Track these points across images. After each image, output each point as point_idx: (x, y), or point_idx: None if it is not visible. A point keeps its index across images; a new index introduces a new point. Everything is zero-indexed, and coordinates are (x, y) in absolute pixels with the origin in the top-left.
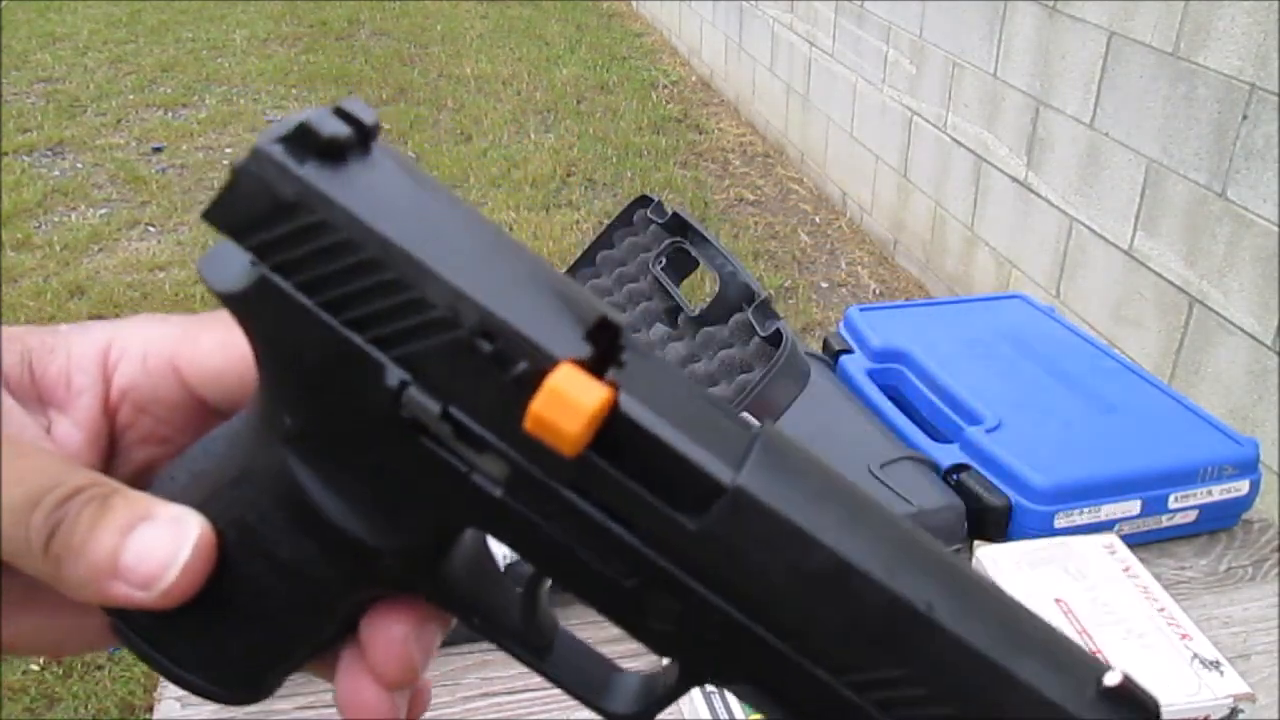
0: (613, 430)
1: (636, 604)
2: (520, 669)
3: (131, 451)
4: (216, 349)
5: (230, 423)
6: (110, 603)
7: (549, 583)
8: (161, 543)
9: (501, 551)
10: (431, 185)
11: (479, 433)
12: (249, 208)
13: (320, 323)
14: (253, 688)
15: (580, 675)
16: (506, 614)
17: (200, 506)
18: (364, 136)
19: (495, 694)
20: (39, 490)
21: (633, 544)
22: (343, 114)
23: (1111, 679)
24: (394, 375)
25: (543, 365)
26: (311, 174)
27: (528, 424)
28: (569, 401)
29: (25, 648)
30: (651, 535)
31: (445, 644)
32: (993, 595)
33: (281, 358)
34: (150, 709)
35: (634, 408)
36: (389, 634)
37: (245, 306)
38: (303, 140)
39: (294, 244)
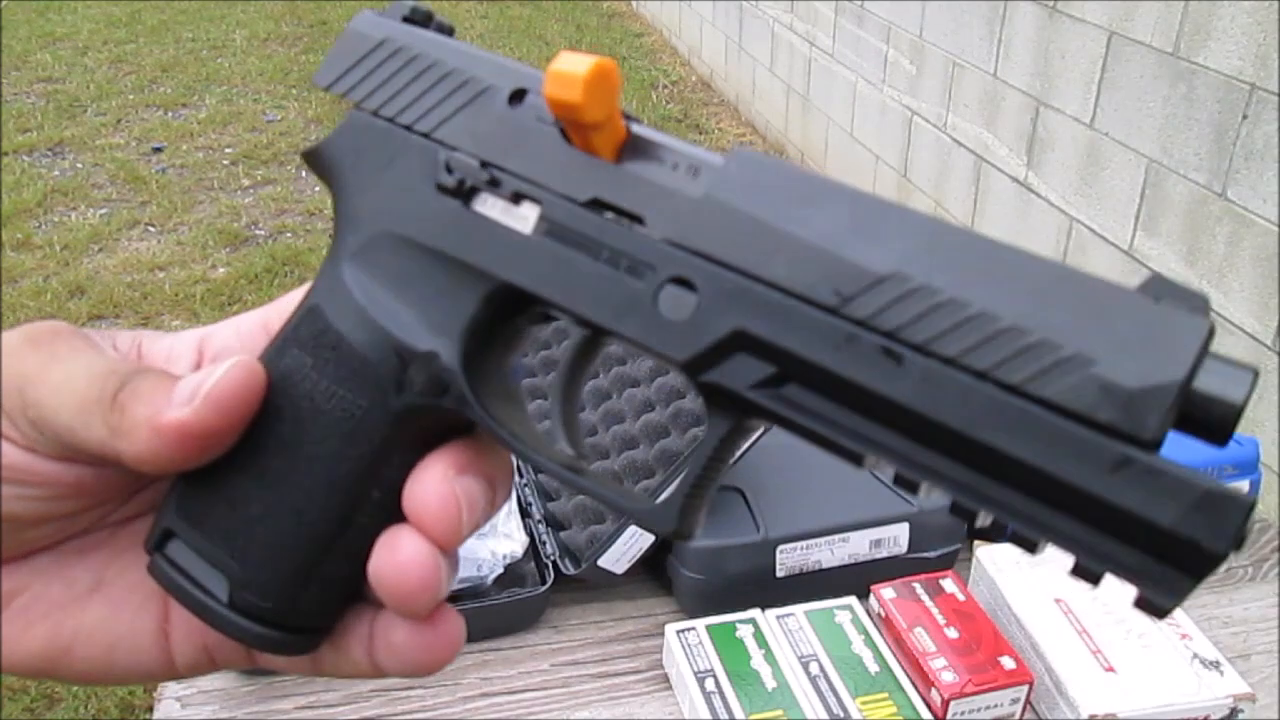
0: (627, 147)
1: (655, 307)
2: (520, 669)
3: None
4: (299, 297)
5: None
6: (164, 431)
7: (581, 391)
8: (207, 369)
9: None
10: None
11: (512, 180)
12: (349, 53)
13: (388, 131)
14: (299, 607)
15: (614, 489)
16: (537, 434)
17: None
18: (428, 17)
19: (495, 694)
20: (116, 366)
21: (644, 239)
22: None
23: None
24: (443, 152)
25: None
26: (394, 22)
27: (546, 91)
28: (569, 67)
29: (83, 649)
30: (661, 221)
31: None
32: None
33: (356, 180)
34: (150, 709)
35: (642, 130)
36: (428, 474)
37: (331, 149)
38: (389, 11)
39: (376, 74)
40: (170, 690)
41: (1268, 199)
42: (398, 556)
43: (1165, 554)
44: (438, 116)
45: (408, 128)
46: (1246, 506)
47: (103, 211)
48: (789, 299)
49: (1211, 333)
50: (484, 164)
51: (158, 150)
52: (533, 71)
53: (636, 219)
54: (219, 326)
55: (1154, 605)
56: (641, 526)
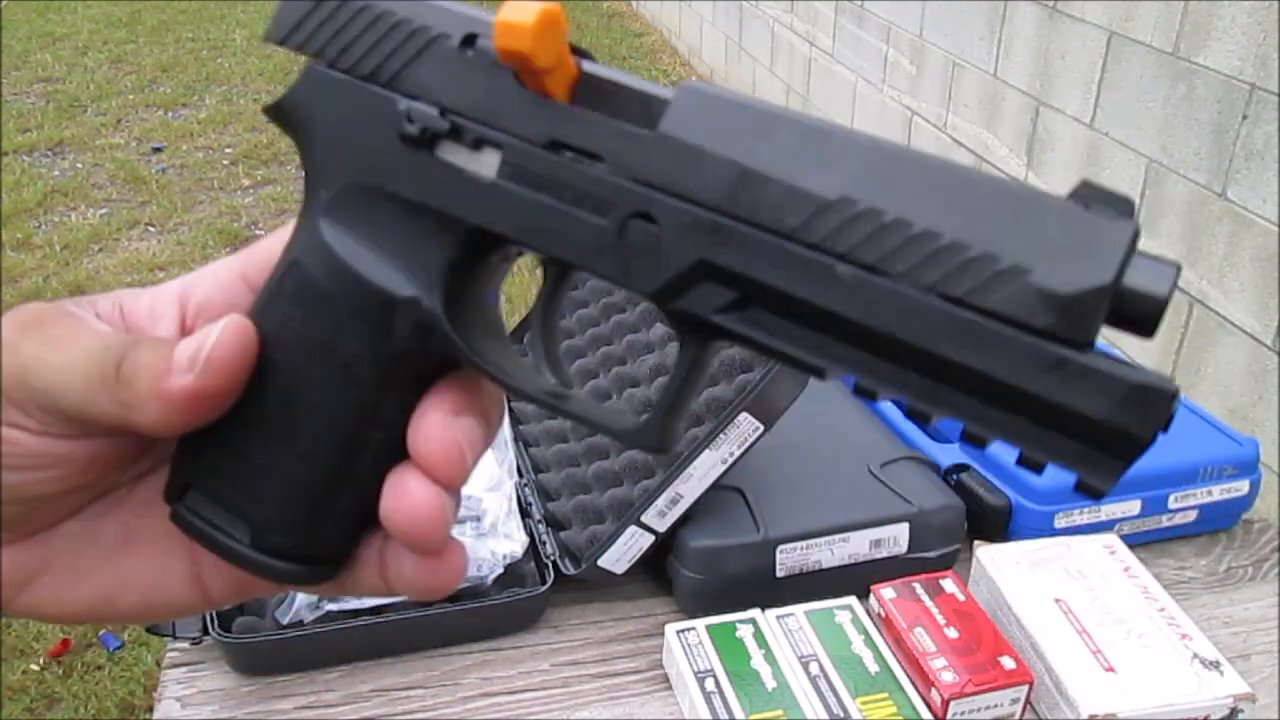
0: (581, 86)
1: (620, 242)
2: (520, 669)
3: None
4: (275, 245)
5: None
6: (173, 399)
7: (559, 321)
8: (201, 334)
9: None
10: None
11: (472, 126)
12: (298, 6)
13: (346, 84)
14: (318, 542)
15: (599, 410)
16: (523, 368)
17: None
18: None
19: (495, 694)
20: (109, 341)
21: (605, 176)
22: None
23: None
24: (403, 101)
25: None
26: None
27: (497, 42)
28: (517, 17)
29: (124, 598)
30: (619, 158)
31: (445, 644)
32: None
33: (320, 134)
34: (150, 709)
35: (594, 68)
36: (428, 421)
37: (292, 104)
38: None
39: (327, 26)
40: (170, 690)
41: (1268, 199)
42: (408, 501)
43: (1099, 442)
44: (393, 67)
45: (365, 78)
46: (1170, 394)
47: (103, 211)
48: (746, 227)
49: (1137, 234)
50: (443, 112)
51: (158, 150)
52: (478, 14)
53: (595, 157)
54: (196, 277)
55: (1091, 488)
56: (625, 443)
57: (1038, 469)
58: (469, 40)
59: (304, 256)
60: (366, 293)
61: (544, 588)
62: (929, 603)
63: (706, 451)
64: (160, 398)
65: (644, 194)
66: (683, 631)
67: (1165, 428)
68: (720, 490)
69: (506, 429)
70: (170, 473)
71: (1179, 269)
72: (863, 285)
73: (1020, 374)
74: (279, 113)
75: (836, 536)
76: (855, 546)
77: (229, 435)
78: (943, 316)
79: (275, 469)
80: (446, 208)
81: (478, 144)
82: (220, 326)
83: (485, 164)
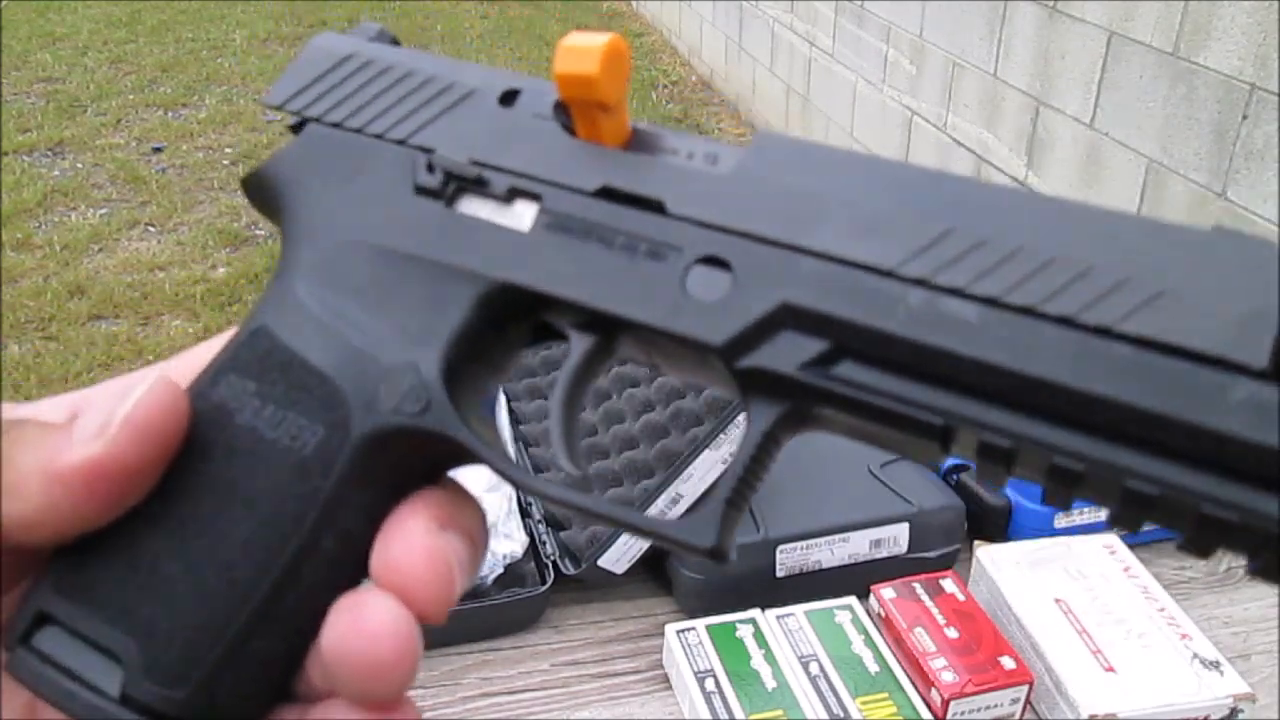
0: (635, 140)
1: (681, 289)
2: (520, 669)
3: None
4: (206, 352)
5: None
6: (66, 477)
7: (582, 402)
8: (117, 398)
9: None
10: None
11: (503, 177)
12: (310, 69)
13: (351, 140)
14: (216, 701)
15: (627, 511)
16: (522, 465)
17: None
18: (395, 41)
19: (495, 694)
20: None
21: (665, 220)
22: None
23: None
24: (422, 155)
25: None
26: (360, 40)
27: (556, 68)
28: (582, 43)
29: None
30: (685, 199)
31: (445, 644)
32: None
33: (311, 195)
34: None
35: (648, 126)
36: (406, 529)
37: (277, 170)
38: (355, 31)
39: (342, 87)
40: None
41: (1268, 199)
42: (368, 622)
43: None
44: (416, 122)
45: (379, 136)
46: None
47: (103, 211)
48: (838, 266)
49: None
50: (472, 162)
51: (158, 150)
52: (524, 77)
53: (655, 205)
54: (97, 390)
55: None
56: (672, 547)
57: (1204, 552)
58: (509, 96)
59: (271, 321)
60: (348, 357)
61: (544, 588)
62: (929, 603)
63: (706, 451)
64: (48, 475)
65: (714, 237)
66: (683, 631)
67: None
68: None
69: (506, 428)
70: (21, 605)
71: None
72: (986, 320)
73: (1199, 410)
74: (258, 182)
75: (836, 536)
76: (855, 546)
77: (122, 540)
78: (1092, 350)
79: (181, 583)
80: (468, 264)
81: (510, 196)
82: (147, 383)
83: (517, 216)
